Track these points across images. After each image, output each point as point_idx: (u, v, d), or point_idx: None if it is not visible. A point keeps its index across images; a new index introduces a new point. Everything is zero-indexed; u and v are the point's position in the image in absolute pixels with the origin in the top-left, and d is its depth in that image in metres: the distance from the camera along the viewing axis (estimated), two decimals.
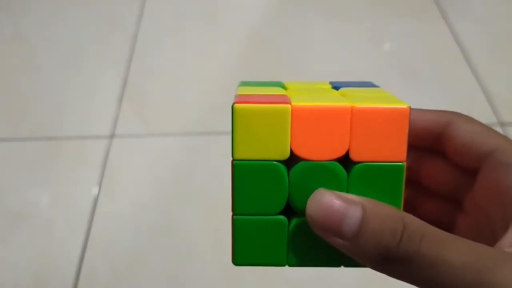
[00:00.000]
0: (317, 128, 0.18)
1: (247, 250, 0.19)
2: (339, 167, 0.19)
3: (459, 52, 0.89)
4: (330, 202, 0.17)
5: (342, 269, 0.20)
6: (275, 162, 0.19)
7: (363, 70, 0.87)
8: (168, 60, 0.90)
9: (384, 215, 0.17)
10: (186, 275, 0.62)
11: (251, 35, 0.95)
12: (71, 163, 0.74)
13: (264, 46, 0.92)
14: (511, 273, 0.16)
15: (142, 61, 0.91)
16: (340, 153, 0.18)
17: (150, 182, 0.71)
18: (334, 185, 0.19)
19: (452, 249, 0.17)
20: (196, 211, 0.68)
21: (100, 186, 0.71)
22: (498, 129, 0.76)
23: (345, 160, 0.19)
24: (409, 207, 0.23)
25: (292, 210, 0.19)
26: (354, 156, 0.19)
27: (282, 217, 0.19)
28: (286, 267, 0.20)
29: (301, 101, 0.18)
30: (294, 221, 0.19)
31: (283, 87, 0.23)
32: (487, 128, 0.21)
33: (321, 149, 0.18)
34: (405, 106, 0.18)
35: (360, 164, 0.19)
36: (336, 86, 0.22)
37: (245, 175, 0.19)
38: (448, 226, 0.23)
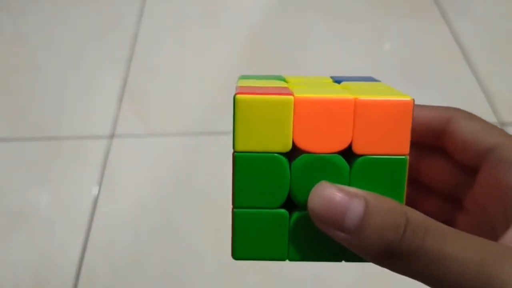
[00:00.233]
0: (320, 120, 0.18)
1: (247, 244, 0.19)
2: (342, 160, 0.18)
3: (459, 52, 0.89)
4: (332, 195, 0.17)
5: (343, 267, 0.20)
6: (276, 155, 0.18)
7: (363, 70, 0.87)
8: (168, 60, 0.90)
9: (387, 209, 0.17)
10: (186, 275, 0.62)
11: (251, 35, 0.95)
12: (71, 163, 0.74)
13: (264, 46, 0.92)
14: None
15: (142, 61, 0.90)
16: (343, 146, 0.18)
17: (150, 182, 0.71)
18: (336, 178, 0.18)
19: (456, 244, 0.16)
20: (196, 211, 0.68)
21: (100, 186, 0.71)
22: None
23: (348, 153, 0.18)
24: (409, 205, 0.23)
25: (293, 203, 0.19)
26: (357, 149, 0.18)
27: (283, 210, 0.19)
28: (287, 261, 0.20)
29: (303, 93, 0.18)
30: (295, 214, 0.19)
31: (284, 80, 0.22)
32: (488, 124, 0.21)
33: (323, 141, 0.18)
34: (409, 99, 0.18)
35: (362, 157, 0.18)
36: (337, 80, 0.22)
37: (246, 168, 0.18)
38: (448, 224, 0.22)
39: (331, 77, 0.23)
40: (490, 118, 0.78)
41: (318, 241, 0.19)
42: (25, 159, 0.76)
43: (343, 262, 0.20)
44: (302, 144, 0.18)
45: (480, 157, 0.20)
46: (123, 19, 0.99)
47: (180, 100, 0.83)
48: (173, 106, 0.82)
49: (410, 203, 0.24)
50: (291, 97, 0.18)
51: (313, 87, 0.20)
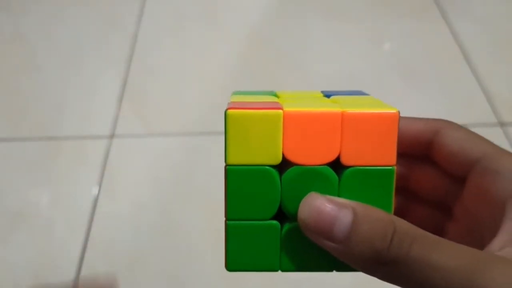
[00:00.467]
0: (309, 133, 0.18)
1: (240, 256, 0.20)
2: (331, 172, 0.19)
3: (459, 52, 0.89)
4: (321, 206, 0.18)
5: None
6: (267, 167, 0.19)
7: (363, 70, 0.87)
8: (168, 60, 0.90)
9: (375, 219, 0.17)
10: (186, 275, 0.62)
11: (251, 35, 0.95)
12: (71, 163, 0.74)
13: (264, 46, 0.92)
14: (500, 276, 0.16)
15: (142, 61, 0.91)
16: (331, 157, 0.19)
17: (150, 182, 0.71)
18: (326, 189, 0.19)
19: (442, 253, 0.17)
20: (196, 211, 0.68)
21: (100, 186, 0.71)
22: (498, 129, 0.76)
23: (337, 165, 0.19)
24: (401, 214, 0.23)
25: (284, 215, 0.19)
26: (345, 161, 0.19)
27: (274, 222, 0.19)
28: (279, 272, 0.20)
29: (292, 107, 0.19)
30: (287, 226, 0.19)
31: (275, 95, 0.23)
32: (474, 135, 0.21)
33: (312, 154, 0.19)
34: (395, 111, 0.19)
35: (351, 169, 0.19)
36: (327, 95, 0.23)
37: (238, 180, 0.19)
38: (438, 232, 0.23)
39: (322, 92, 0.24)
40: (490, 118, 0.78)
41: (309, 251, 0.19)
42: (25, 159, 0.76)
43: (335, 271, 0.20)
44: (292, 157, 0.19)
45: (467, 166, 0.21)
46: (123, 19, 0.99)
47: (180, 100, 0.83)
48: (173, 106, 0.82)
49: (401, 212, 0.24)
50: (280, 111, 0.18)
51: (303, 101, 0.20)
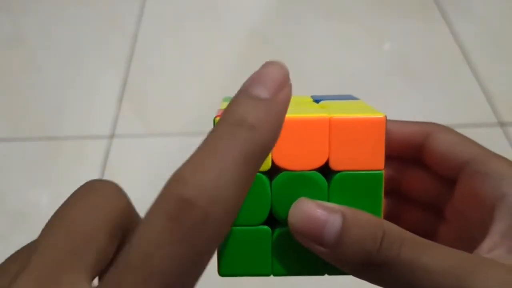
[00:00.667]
0: (297, 139, 0.19)
1: (232, 261, 0.20)
2: (320, 177, 0.19)
3: (459, 52, 0.89)
4: (311, 211, 0.18)
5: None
6: (257, 173, 0.19)
7: (363, 70, 0.87)
8: (168, 60, 0.90)
9: (364, 222, 0.18)
10: None
11: (251, 35, 0.95)
12: (71, 163, 0.74)
13: (264, 46, 0.92)
14: (489, 279, 0.16)
15: (142, 61, 0.91)
16: (320, 162, 0.19)
17: (150, 182, 0.71)
18: (315, 194, 0.19)
19: (431, 255, 0.17)
20: None
21: None
22: (498, 129, 0.76)
23: (326, 170, 0.19)
24: (392, 217, 0.24)
25: (275, 220, 0.19)
26: (334, 166, 0.19)
27: (265, 227, 0.19)
28: (271, 276, 0.20)
29: None
30: (278, 230, 0.19)
31: None
32: (464, 138, 0.22)
33: (301, 159, 0.19)
34: (381, 116, 0.19)
35: (340, 173, 0.19)
36: (316, 100, 0.23)
37: None
38: (430, 234, 0.23)
39: (312, 96, 0.24)
40: (490, 118, 0.78)
41: (300, 255, 0.19)
42: (25, 159, 0.76)
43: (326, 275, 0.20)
44: (281, 163, 0.19)
45: (457, 169, 0.21)
46: (123, 19, 0.99)
47: (180, 100, 0.83)
48: (173, 106, 0.82)
49: (393, 215, 0.24)
50: None
51: (291, 107, 0.20)
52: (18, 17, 1.00)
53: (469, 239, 0.21)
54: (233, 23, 0.97)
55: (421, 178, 0.23)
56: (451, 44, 0.91)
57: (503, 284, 0.16)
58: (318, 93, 0.26)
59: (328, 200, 0.19)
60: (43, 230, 0.15)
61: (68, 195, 0.17)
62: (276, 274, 0.20)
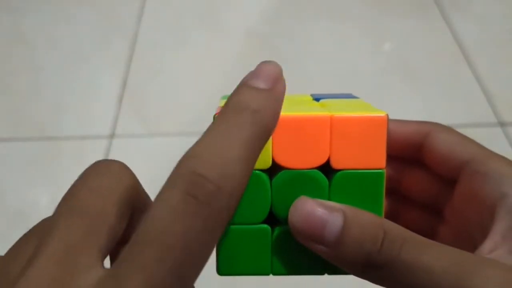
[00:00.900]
0: (298, 137, 0.18)
1: (231, 260, 0.20)
2: (321, 175, 0.19)
3: (459, 52, 0.89)
4: (311, 210, 0.18)
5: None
6: (257, 171, 0.19)
7: (363, 70, 0.87)
8: (168, 60, 0.90)
9: (365, 222, 0.18)
10: None
11: (251, 35, 0.95)
12: (71, 163, 0.74)
13: (264, 46, 0.92)
14: (489, 278, 0.16)
15: (142, 61, 0.91)
16: (321, 161, 0.19)
17: (150, 182, 0.71)
18: (316, 193, 0.19)
19: (432, 255, 0.17)
20: None
21: None
22: (498, 129, 0.76)
23: (326, 168, 0.19)
24: (392, 217, 0.23)
25: (275, 218, 0.19)
26: (335, 164, 0.19)
27: (265, 226, 0.19)
28: (271, 276, 0.20)
29: (281, 112, 0.18)
30: (277, 229, 0.19)
31: None
32: (464, 137, 0.22)
33: (302, 158, 0.19)
34: (383, 114, 0.18)
35: (341, 172, 0.19)
36: (316, 98, 0.23)
37: None
38: (430, 235, 0.23)
39: (311, 95, 0.24)
40: (490, 118, 0.78)
41: (300, 255, 0.19)
42: (25, 159, 0.76)
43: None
44: (282, 161, 0.19)
45: (457, 169, 0.21)
46: (123, 19, 0.99)
47: (180, 100, 0.83)
48: (173, 106, 0.82)
49: (393, 214, 0.24)
50: None
51: (291, 106, 0.20)
52: (19, 17, 1.00)
53: (468, 239, 0.21)
54: (233, 23, 0.97)
55: (421, 178, 0.23)
56: (451, 44, 0.91)
57: (504, 284, 0.16)
58: (318, 92, 0.26)
59: (329, 199, 0.19)
60: (56, 212, 0.16)
61: None
62: (276, 274, 0.20)
